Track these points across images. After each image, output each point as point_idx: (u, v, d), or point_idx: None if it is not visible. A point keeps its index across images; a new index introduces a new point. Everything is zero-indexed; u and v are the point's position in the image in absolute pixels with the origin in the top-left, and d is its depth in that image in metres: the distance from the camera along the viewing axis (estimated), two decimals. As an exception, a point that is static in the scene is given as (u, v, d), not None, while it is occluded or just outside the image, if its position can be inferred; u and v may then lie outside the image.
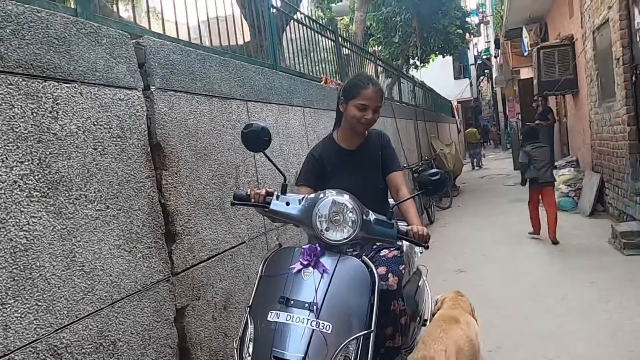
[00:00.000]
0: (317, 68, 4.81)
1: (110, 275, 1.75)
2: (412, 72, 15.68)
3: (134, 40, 2.08)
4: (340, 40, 5.61)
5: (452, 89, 25.61)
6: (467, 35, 16.51)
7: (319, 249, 1.57)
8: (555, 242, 5.46)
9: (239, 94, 2.81)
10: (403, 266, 2.04)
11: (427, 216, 7.75)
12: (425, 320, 2.40)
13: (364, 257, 1.63)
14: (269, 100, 3.20)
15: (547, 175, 5.72)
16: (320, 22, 5.24)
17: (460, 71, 29.74)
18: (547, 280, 4.30)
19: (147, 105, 2.06)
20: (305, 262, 1.54)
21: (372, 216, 1.70)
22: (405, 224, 2.62)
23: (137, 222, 1.91)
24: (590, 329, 3.22)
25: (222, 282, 2.43)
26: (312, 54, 4.85)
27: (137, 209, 1.92)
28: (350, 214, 1.60)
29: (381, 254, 2.05)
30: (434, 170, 1.73)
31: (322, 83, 4.60)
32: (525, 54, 10.79)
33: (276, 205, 1.71)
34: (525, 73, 14.92)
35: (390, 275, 1.94)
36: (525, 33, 10.51)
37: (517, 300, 3.87)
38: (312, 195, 1.71)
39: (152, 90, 2.07)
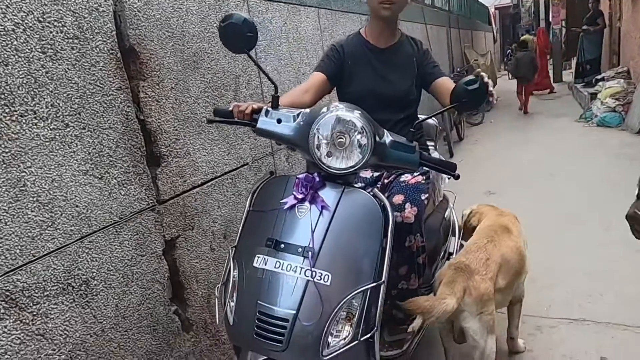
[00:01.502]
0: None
1: (77, 207, 1.48)
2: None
3: None
4: None
5: (490, -7, 23.53)
6: None
7: (317, 179, 1.23)
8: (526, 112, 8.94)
9: (237, -12, 2.35)
10: (426, 195, 1.70)
11: (457, 133, 7.26)
12: (451, 254, 2.11)
13: (375, 189, 1.28)
14: (276, -2, 2.72)
15: (527, 74, 9.00)
16: None
17: (501, -27, 27.20)
18: (588, 205, 3.91)
19: (115, -1, 1.66)
20: (300, 196, 1.22)
21: (387, 137, 1.33)
22: (433, 145, 2.26)
23: (108, 143, 1.60)
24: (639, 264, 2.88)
25: (220, 209, 2.17)
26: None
27: (108, 127, 1.60)
28: (359, 136, 1.24)
29: (401, 179, 1.73)
30: (471, 77, 1.32)
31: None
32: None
33: (264, 122, 1.36)
34: (575, -28, 13.36)
35: (407, 205, 1.62)
36: None
37: (554, 228, 3.53)
38: (309, 110, 1.34)
39: (120, -22, 1.67)
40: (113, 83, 1.63)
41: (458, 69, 8.63)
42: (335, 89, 2.00)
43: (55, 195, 1.42)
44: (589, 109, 7.40)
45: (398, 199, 1.66)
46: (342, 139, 1.23)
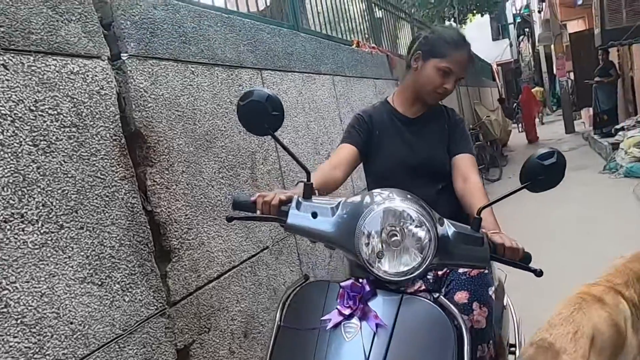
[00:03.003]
0: (346, 26, 4.14)
1: (71, 324, 1.24)
2: (449, 34, 14.61)
3: (96, -8, 1.53)
4: (371, -3, 4.90)
5: (490, 51, 24.10)
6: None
7: (367, 287, 0.98)
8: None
9: (251, 61, 2.22)
10: (493, 289, 1.43)
11: (477, 191, 7.00)
12: (513, 346, 1.79)
13: (441, 297, 1.03)
14: (290, 67, 2.60)
15: None
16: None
17: (499, 32, 28.04)
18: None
19: (118, 80, 1.50)
20: (347, 311, 0.96)
21: (449, 228, 1.08)
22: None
23: (110, 242, 1.38)
24: None
25: (240, 303, 1.90)
26: (340, 14, 4.19)
27: (110, 223, 1.39)
28: (417, 230, 0.99)
29: (460, 270, 1.45)
30: (545, 149, 1.10)
31: (353, 46, 3.94)
32: (579, 2, 9.64)
33: (296, 217, 1.11)
34: (575, 26, 13.61)
35: (475, 305, 1.34)
36: (578, -21, 9.36)
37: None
38: (353, 198, 1.11)
39: (124, 58, 1.51)
40: (116, 173, 1.43)
41: (471, 126, 8.52)
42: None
43: (45, 313, 1.18)
44: (613, 159, 7.16)
45: (462, 296, 1.38)
46: (396, 235, 0.98)
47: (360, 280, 1.01)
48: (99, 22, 1.46)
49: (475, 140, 7.88)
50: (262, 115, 1.11)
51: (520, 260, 1.13)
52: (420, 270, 0.99)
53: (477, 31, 22.34)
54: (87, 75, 1.38)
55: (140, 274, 1.47)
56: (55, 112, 1.27)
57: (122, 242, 1.42)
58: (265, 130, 1.15)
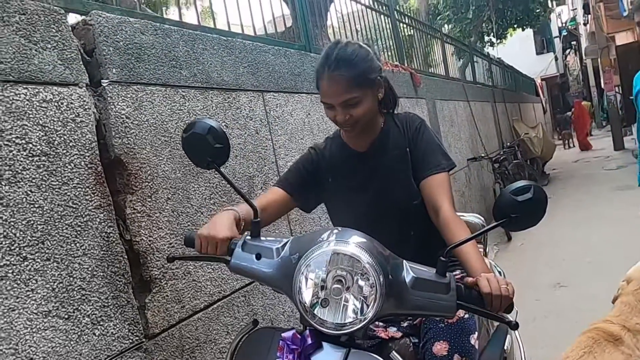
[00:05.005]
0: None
1: (31, 359, 1.19)
2: (488, 50, 14.26)
3: (81, 18, 1.53)
4: (396, 15, 4.81)
5: (534, 65, 23.36)
6: (551, 2, 14.77)
7: (309, 340, 0.88)
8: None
9: (251, 83, 2.18)
10: (475, 335, 1.28)
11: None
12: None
13: (394, 353, 0.90)
14: (297, 89, 2.54)
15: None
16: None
17: (543, 45, 27.18)
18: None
19: (99, 107, 1.48)
20: (287, 365, 0.86)
21: (407, 273, 0.96)
22: (482, 250, 1.84)
23: (80, 274, 1.34)
24: None
25: (230, 334, 1.82)
26: (363, 33, 4.13)
27: (81, 254, 1.35)
28: (364, 278, 0.87)
29: (437, 317, 1.29)
30: (521, 183, 0.96)
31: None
32: (625, 14, 9.19)
33: (241, 257, 1.03)
34: (623, 38, 13.01)
35: (456, 357, 1.19)
36: (623, -10, 8.94)
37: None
38: (302, 238, 1.02)
39: (105, 85, 1.49)
40: (90, 201, 1.40)
41: (508, 144, 8.21)
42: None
43: (1, 349, 1.14)
44: (663, 179, 6.67)
45: (441, 348, 1.22)
46: (340, 283, 0.87)
47: (305, 331, 0.90)
48: (80, 49, 1.46)
49: (514, 159, 7.56)
50: (204, 148, 1.04)
51: (500, 310, 0.99)
52: (364, 323, 0.87)
53: (519, 46, 21.78)
54: (62, 103, 1.36)
55: (114, 306, 1.42)
56: (24, 141, 1.25)
57: (95, 273, 1.38)
58: (209, 164, 1.07)
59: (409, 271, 0.96)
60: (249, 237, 1.05)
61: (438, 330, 1.25)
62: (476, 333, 1.26)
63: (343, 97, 1.30)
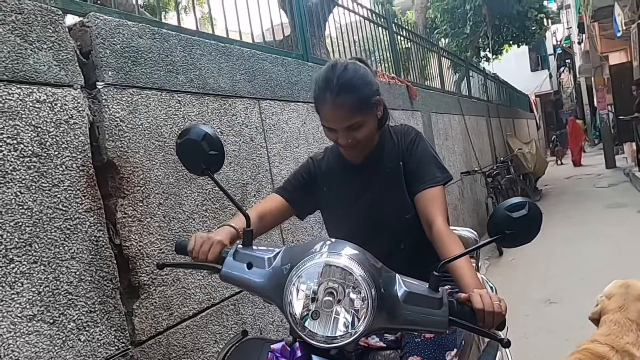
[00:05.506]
0: (366, 57, 4.09)
1: (12, 365, 1.17)
2: (484, 65, 14.39)
3: (78, 20, 1.52)
4: (394, 27, 4.84)
5: (529, 82, 23.57)
6: (546, 20, 14.94)
7: (298, 353, 0.87)
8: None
9: (247, 90, 2.18)
10: (452, 352, 1.24)
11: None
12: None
13: None
14: (294, 97, 2.54)
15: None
16: (370, 8, 4.52)
17: (538, 62, 27.49)
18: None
19: (93, 109, 1.47)
20: (275, 378, 0.84)
21: (400, 287, 0.95)
22: (474, 264, 1.83)
23: (67, 278, 1.32)
24: None
25: (218, 343, 1.80)
26: (360, 44, 4.15)
27: (69, 257, 1.33)
28: (356, 291, 0.86)
29: (414, 332, 1.25)
30: (517, 199, 0.96)
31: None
32: (619, 34, 9.32)
33: (232, 266, 1.02)
34: (617, 58, 13.17)
35: None
36: (617, 10, 9.04)
37: None
38: (295, 248, 1.00)
39: (100, 87, 1.48)
40: (81, 204, 1.38)
41: (502, 159, 8.26)
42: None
43: (-18, 353, 1.11)
44: (654, 197, 6.73)
45: None
46: (331, 296, 0.86)
47: (295, 343, 0.89)
48: (76, 51, 1.45)
49: (507, 173, 7.60)
50: (199, 155, 1.03)
51: (491, 323, 0.98)
52: (355, 337, 0.86)
53: (514, 62, 21.99)
54: (55, 104, 1.34)
55: (100, 312, 1.39)
56: (15, 141, 1.24)
57: (82, 277, 1.36)
58: (203, 171, 1.06)
59: (402, 285, 0.95)
60: (240, 246, 1.04)
61: (414, 345, 1.23)
62: (454, 350, 1.23)
63: (347, 122, 1.29)
